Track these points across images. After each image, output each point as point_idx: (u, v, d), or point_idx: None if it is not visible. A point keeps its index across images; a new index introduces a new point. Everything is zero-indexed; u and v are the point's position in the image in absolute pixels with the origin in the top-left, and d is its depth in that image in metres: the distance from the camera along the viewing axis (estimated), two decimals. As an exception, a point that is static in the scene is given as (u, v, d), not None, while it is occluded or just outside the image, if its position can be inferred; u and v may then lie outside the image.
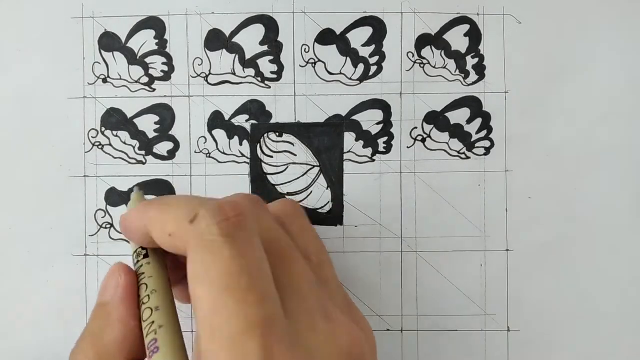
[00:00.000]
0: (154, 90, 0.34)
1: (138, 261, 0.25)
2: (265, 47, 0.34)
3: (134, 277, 0.25)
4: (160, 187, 0.34)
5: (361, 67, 0.34)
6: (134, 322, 0.23)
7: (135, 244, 0.26)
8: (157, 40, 0.34)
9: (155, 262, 0.25)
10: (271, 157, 0.34)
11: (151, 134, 0.34)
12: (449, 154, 0.34)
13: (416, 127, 0.34)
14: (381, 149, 0.34)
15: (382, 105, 0.34)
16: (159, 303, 0.23)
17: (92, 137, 0.34)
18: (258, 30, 0.34)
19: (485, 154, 0.34)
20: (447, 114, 0.34)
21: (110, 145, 0.34)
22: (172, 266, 0.26)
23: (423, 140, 0.34)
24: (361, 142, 0.34)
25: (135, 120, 0.34)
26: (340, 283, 0.26)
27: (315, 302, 0.22)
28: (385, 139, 0.34)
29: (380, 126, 0.34)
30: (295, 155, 0.34)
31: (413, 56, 0.34)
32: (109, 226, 0.34)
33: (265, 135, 0.34)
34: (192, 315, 0.29)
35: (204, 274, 0.20)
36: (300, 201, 0.34)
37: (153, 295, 0.24)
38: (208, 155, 0.34)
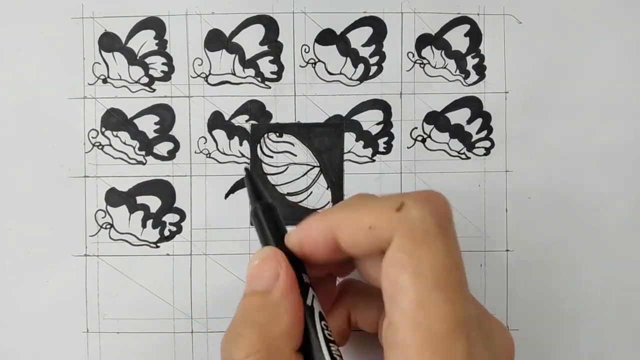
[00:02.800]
0: (154, 90, 0.34)
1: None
2: (265, 47, 0.34)
3: (292, 268, 0.23)
4: (160, 187, 0.34)
5: (361, 67, 0.34)
6: (301, 312, 0.22)
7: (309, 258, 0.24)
8: (157, 41, 0.34)
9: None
10: (271, 157, 0.34)
11: (151, 134, 0.34)
12: (449, 154, 0.34)
13: (416, 127, 0.34)
14: (381, 149, 0.34)
15: (382, 106, 0.34)
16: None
17: (92, 137, 0.34)
18: (258, 31, 0.34)
19: (485, 154, 0.34)
20: (447, 114, 0.34)
21: (111, 145, 0.34)
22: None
23: (423, 141, 0.34)
24: (361, 142, 0.34)
25: (136, 121, 0.34)
26: None
27: (480, 305, 0.22)
28: (385, 139, 0.34)
29: (381, 126, 0.34)
30: (295, 155, 0.34)
31: (413, 56, 0.34)
32: (109, 226, 0.34)
33: (265, 135, 0.34)
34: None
35: (415, 264, 0.19)
36: (300, 201, 0.34)
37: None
38: (208, 155, 0.34)
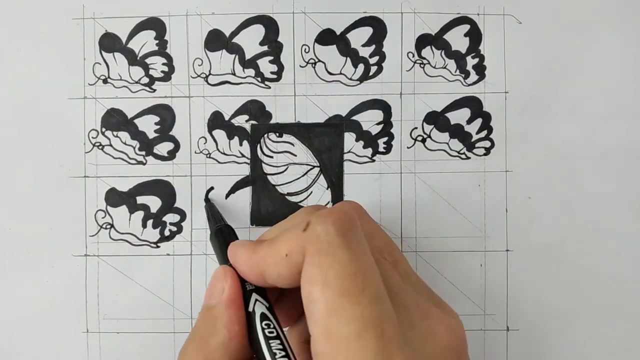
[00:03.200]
0: (154, 90, 0.34)
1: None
2: (265, 47, 0.34)
3: (237, 280, 0.25)
4: (160, 188, 0.34)
5: (361, 67, 0.34)
6: (239, 327, 0.24)
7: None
8: (157, 41, 0.34)
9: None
10: (271, 157, 0.34)
11: (151, 135, 0.34)
12: (449, 154, 0.34)
13: (416, 127, 0.34)
14: (381, 149, 0.34)
15: (382, 106, 0.34)
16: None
17: (92, 137, 0.34)
18: (258, 31, 0.34)
19: (485, 154, 0.34)
20: (447, 114, 0.34)
21: (111, 145, 0.34)
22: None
23: (423, 141, 0.34)
24: (361, 142, 0.34)
25: (136, 121, 0.34)
26: (419, 277, 0.26)
27: (407, 298, 0.23)
28: (385, 139, 0.34)
29: (380, 126, 0.34)
30: (295, 155, 0.34)
31: (413, 56, 0.34)
32: (109, 226, 0.34)
33: (265, 135, 0.34)
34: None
35: (322, 276, 0.21)
36: (301, 201, 0.34)
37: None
38: (208, 155, 0.34)
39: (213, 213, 0.32)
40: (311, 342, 0.21)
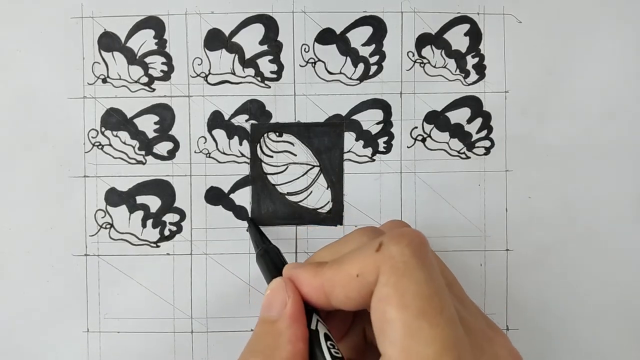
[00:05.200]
0: (154, 90, 0.34)
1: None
2: (265, 47, 0.34)
3: (300, 298, 0.24)
4: (160, 187, 0.34)
5: (361, 66, 0.34)
6: (303, 344, 0.23)
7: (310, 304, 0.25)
8: (156, 40, 0.34)
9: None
10: (271, 157, 0.34)
11: (151, 134, 0.34)
12: (449, 153, 0.34)
13: (416, 127, 0.34)
14: (381, 148, 0.34)
15: (382, 105, 0.34)
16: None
17: (92, 137, 0.34)
18: (258, 30, 0.34)
19: (485, 154, 0.34)
20: (447, 114, 0.34)
21: (110, 145, 0.34)
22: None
23: (423, 140, 0.34)
24: (361, 142, 0.34)
25: (135, 120, 0.34)
26: (470, 298, 0.26)
27: (472, 323, 0.23)
28: (385, 138, 0.34)
29: (380, 126, 0.34)
30: (295, 155, 0.34)
31: (413, 55, 0.34)
32: (108, 226, 0.34)
33: (265, 135, 0.34)
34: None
35: (398, 296, 0.20)
36: (300, 201, 0.34)
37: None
38: (208, 155, 0.34)
39: (258, 233, 0.32)
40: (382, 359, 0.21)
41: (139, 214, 0.34)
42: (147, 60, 0.34)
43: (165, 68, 0.34)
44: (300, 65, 0.34)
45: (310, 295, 0.24)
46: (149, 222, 0.34)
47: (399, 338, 0.20)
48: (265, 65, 0.34)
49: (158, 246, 0.34)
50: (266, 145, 0.34)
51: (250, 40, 0.34)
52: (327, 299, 0.23)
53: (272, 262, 0.29)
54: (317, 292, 0.24)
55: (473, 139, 0.34)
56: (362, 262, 0.22)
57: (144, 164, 0.34)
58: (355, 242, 0.25)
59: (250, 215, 0.34)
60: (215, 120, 0.34)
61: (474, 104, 0.34)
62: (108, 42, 0.34)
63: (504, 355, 0.23)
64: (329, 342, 0.23)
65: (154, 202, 0.34)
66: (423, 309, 0.20)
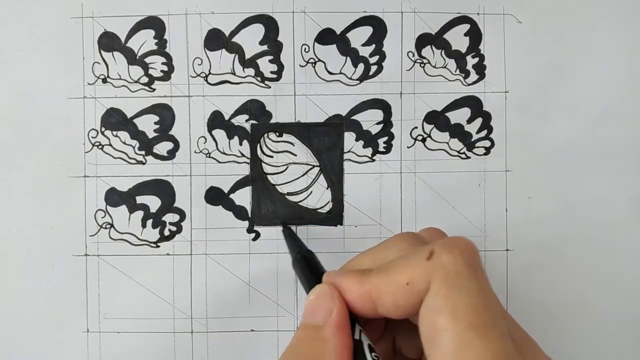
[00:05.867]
0: (154, 90, 0.34)
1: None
2: (265, 47, 0.34)
3: (346, 306, 0.24)
4: (160, 187, 0.34)
5: (361, 66, 0.34)
6: (347, 353, 0.23)
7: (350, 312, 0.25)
8: (156, 40, 0.34)
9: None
10: (271, 157, 0.34)
11: (151, 134, 0.34)
12: (449, 153, 0.34)
13: (416, 127, 0.34)
14: (381, 148, 0.34)
15: (382, 105, 0.34)
16: None
17: (92, 137, 0.34)
18: (258, 30, 0.34)
19: (485, 154, 0.34)
20: (447, 114, 0.34)
21: (110, 145, 0.34)
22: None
23: (423, 140, 0.34)
24: (361, 142, 0.34)
25: (135, 120, 0.34)
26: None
27: (519, 339, 0.22)
28: (385, 138, 0.34)
29: (380, 126, 0.34)
30: (295, 155, 0.34)
31: (413, 56, 0.34)
32: (108, 226, 0.34)
33: (265, 135, 0.34)
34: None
35: (450, 307, 0.20)
36: (300, 201, 0.34)
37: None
38: (208, 155, 0.34)
39: (293, 238, 0.32)
40: None
41: (139, 214, 0.34)
42: (147, 60, 0.34)
43: (165, 68, 0.34)
44: (300, 66, 0.34)
45: (356, 303, 0.24)
46: (149, 222, 0.34)
47: (450, 349, 0.20)
48: (266, 65, 0.34)
49: (158, 246, 0.34)
50: (266, 145, 0.34)
51: (251, 40, 0.34)
52: (374, 306, 0.23)
53: (309, 267, 0.28)
54: (363, 299, 0.23)
55: (473, 139, 0.34)
56: (412, 270, 0.22)
57: (144, 164, 0.34)
58: (396, 248, 0.25)
59: (250, 215, 0.34)
60: (215, 120, 0.34)
61: (474, 104, 0.34)
62: (108, 42, 0.34)
63: None
64: (373, 354, 0.23)
65: (154, 202, 0.34)
66: (475, 321, 0.20)
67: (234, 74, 0.34)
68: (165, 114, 0.34)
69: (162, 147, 0.34)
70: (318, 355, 0.23)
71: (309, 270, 0.28)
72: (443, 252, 0.21)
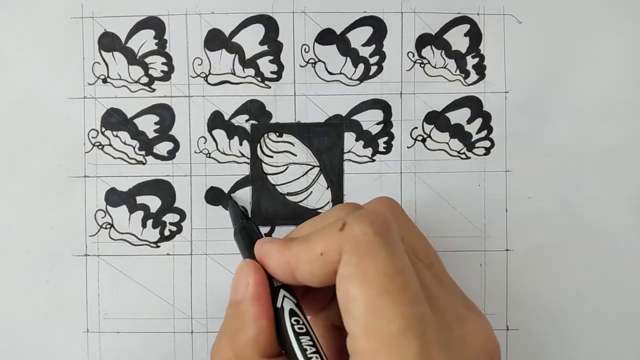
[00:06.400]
0: (154, 90, 0.34)
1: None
2: (265, 47, 0.34)
3: (263, 275, 0.25)
4: (160, 187, 0.34)
5: (361, 67, 0.34)
6: (267, 321, 0.23)
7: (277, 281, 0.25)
8: (156, 40, 0.34)
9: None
10: (271, 157, 0.34)
11: (151, 134, 0.34)
12: (449, 154, 0.34)
13: (416, 127, 0.34)
14: (381, 148, 0.34)
15: (382, 105, 0.34)
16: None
17: (92, 137, 0.34)
18: (258, 30, 0.34)
19: (485, 154, 0.34)
20: (447, 114, 0.34)
21: (110, 145, 0.34)
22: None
23: (423, 140, 0.34)
24: (361, 142, 0.34)
25: (135, 121, 0.34)
26: (453, 280, 0.26)
27: (443, 302, 0.23)
28: (385, 138, 0.34)
29: (381, 126, 0.34)
30: (295, 155, 0.34)
31: (413, 56, 0.34)
32: (108, 226, 0.34)
33: (265, 135, 0.34)
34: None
35: (361, 275, 0.21)
36: (300, 201, 0.34)
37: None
38: (208, 155, 0.34)
39: (236, 209, 0.32)
40: (348, 339, 0.21)
41: (139, 214, 0.34)
42: (148, 60, 0.34)
43: (165, 68, 0.34)
44: (301, 66, 0.34)
45: (277, 271, 0.24)
46: (149, 222, 0.34)
47: (362, 315, 0.20)
48: (266, 65, 0.34)
49: (158, 246, 0.34)
50: (266, 146, 0.34)
51: (251, 40, 0.34)
52: (293, 275, 0.24)
53: (248, 238, 0.29)
54: (283, 268, 0.24)
55: (473, 139, 0.34)
56: (326, 240, 0.22)
57: (144, 164, 0.34)
58: (328, 219, 0.25)
59: (249, 215, 0.34)
60: (216, 121, 0.34)
61: (474, 104, 0.34)
62: (108, 42, 0.34)
63: (475, 335, 0.22)
64: (293, 318, 0.23)
65: (154, 202, 0.34)
66: (385, 286, 0.20)
67: (234, 74, 0.34)
68: (165, 114, 0.34)
69: (162, 147, 0.34)
70: (238, 328, 0.23)
71: (248, 241, 0.28)
72: (354, 222, 0.22)
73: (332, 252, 0.22)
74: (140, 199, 0.34)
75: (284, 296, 0.24)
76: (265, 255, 0.25)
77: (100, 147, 0.34)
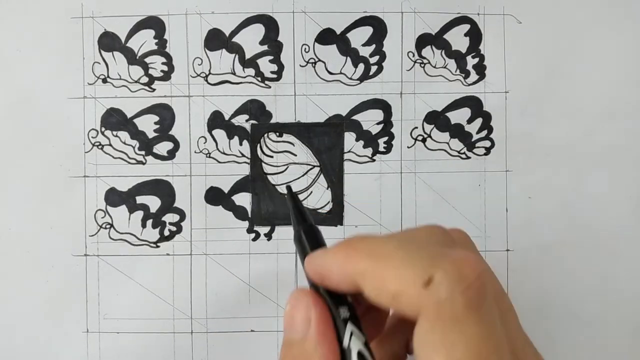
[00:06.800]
0: (154, 90, 0.34)
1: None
2: (265, 47, 0.34)
3: (325, 308, 0.21)
4: (159, 187, 0.34)
5: (361, 66, 0.34)
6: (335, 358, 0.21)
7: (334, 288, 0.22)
8: (156, 40, 0.34)
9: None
10: (271, 157, 0.34)
11: (151, 134, 0.34)
12: (449, 154, 0.34)
13: (416, 127, 0.34)
14: (381, 148, 0.34)
15: (382, 105, 0.34)
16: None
17: (92, 137, 0.34)
18: (258, 30, 0.34)
19: (485, 154, 0.34)
20: (447, 114, 0.34)
21: (110, 145, 0.34)
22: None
23: (423, 140, 0.34)
24: (361, 142, 0.34)
25: (135, 120, 0.34)
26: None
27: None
28: (385, 138, 0.34)
29: (381, 126, 0.34)
30: (295, 155, 0.34)
31: (413, 56, 0.34)
32: (108, 226, 0.34)
33: (265, 135, 0.34)
34: None
35: (448, 348, 0.18)
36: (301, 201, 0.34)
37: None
38: (208, 155, 0.34)
39: (299, 208, 0.26)
40: None
41: (139, 214, 0.34)
42: (148, 60, 0.34)
43: (165, 68, 0.34)
44: (301, 66, 0.34)
45: (339, 285, 0.21)
46: (149, 222, 0.34)
47: None
48: (266, 65, 0.34)
49: (158, 246, 0.34)
50: (266, 145, 0.34)
51: (251, 40, 0.34)
52: (358, 288, 0.20)
53: (309, 244, 0.24)
54: (346, 280, 0.21)
55: (473, 139, 0.34)
56: (403, 286, 0.19)
57: (144, 164, 0.34)
58: (421, 241, 0.22)
59: (250, 216, 0.34)
60: (216, 120, 0.34)
61: (474, 104, 0.34)
62: (108, 42, 0.34)
63: None
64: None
65: (153, 202, 0.34)
66: None
67: (234, 74, 0.34)
68: (165, 114, 0.34)
69: (162, 147, 0.34)
70: None
71: (308, 248, 0.24)
72: (443, 283, 0.18)
73: (408, 303, 0.19)
74: (140, 199, 0.34)
75: (352, 333, 0.21)
76: (324, 267, 0.22)
77: (100, 147, 0.34)
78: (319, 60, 0.34)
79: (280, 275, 0.34)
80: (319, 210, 0.34)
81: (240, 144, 0.34)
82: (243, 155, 0.34)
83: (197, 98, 0.34)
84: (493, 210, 0.34)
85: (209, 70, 0.34)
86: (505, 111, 0.34)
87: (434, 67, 0.34)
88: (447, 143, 0.34)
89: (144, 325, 0.34)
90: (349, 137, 0.34)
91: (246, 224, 0.34)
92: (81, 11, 0.34)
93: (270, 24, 0.34)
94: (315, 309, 0.21)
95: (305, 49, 0.34)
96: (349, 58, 0.34)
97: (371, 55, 0.34)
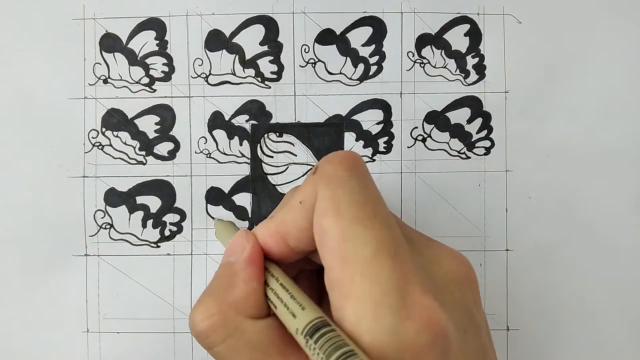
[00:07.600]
0: (155, 90, 0.34)
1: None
2: (265, 47, 0.34)
3: (259, 245, 0.24)
4: (160, 187, 0.34)
5: (361, 67, 0.34)
6: (257, 285, 0.23)
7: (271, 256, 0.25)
8: (157, 41, 0.34)
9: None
10: (271, 157, 0.34)
11: (151, 135, 0.34)
12: (449, 153, 0.34)
13: (416, 127, 0.34)
14: (381, 148, 0.34)
15: (382, 105, 0.34)
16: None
17: (92, 137, 0.34)
18: (258, 31, 0.34)
19: (485, 154, 0.34)
20: (447, 114, 0.34)
21: (111, 145, 0.34)
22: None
23: (423, 140, 0.34)
24: (361, 142, 0.34)
25: (136, 121, 0.34)
26: None
27: (411, 232, 0.23)
28: (385, 138, 0.34)
29: (381, 126, 0.34)
30: (296, 155, 0.34)
31: (413, 56, 0.34)
32: (108, 226, 0.34)
33: (266, 135, 0.34)
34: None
35: (334, 206, 0.21)
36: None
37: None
38: (208, 155, 0.34)
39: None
40: (325, 274, 0.21)
41: (139, 214, 0.34)
42: (148, 61, 0.34)
43: (166, 69, 0.34)
44: (301, 66, 0.34)
45: (270, 244, 0.24)
46: (149, 222, 0.34)
47: (336, 245, 0.20)
48: (266, 65, 0.34)
49: (158, 246, 0.34)
50: (266, 146, 0.34)
51: (251, 40, 0.34)
52: (285, 242, 0.24)
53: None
54: (274, 238, 0.24)
55: (473, 139, 0.34)
56: (303, 188, 0.23)
57: (144, 164, 0.34)
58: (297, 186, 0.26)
59: (250, 215, 0.34)
60: (216, 121, 0.34)
61: (474, 104, 0.34)
62: (109, 43, 0.34)
63: (447, 258, 0.23)
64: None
65: (154, 203, 0.34)
66: (357, 215, 0.21)
67: (234, 74, 0.34)
68: (165, 115, 0.34)
69: (163, 148, 0.34)
70: (227, 287, 0.23)
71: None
72: (325, 163, 0.22)
73: (310, 195, 0.22)
74: (140, 199, 0.34)
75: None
76: (254, 234, 0.25)
77: (100, 147, 0.34)
78: (319, 60, 0.34)
79: (280, 275, 0.34)
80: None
81: (241, 144, 0.34)
82: (243, 156, 0.34)
83: (198, 98, 0.34)
84: (493, 210, 0.34)
85: (210, 71, 0.34)
86: (505, 111, 0.34)
87: (434, 67, 0.34)
88: (447, 143, 0.34)
89: (144, 326, 0.34)
90: (349, 137, 0.34)
91: (246, 224, 0.34)
92: (83, 12, 0.34)
93: (270, 25, 0.34)
94: (251, 241, 0.24)
95: (305, 49, 0.34)
96: (348, 58, 0.34)
97: (371, 55, 0.34)
